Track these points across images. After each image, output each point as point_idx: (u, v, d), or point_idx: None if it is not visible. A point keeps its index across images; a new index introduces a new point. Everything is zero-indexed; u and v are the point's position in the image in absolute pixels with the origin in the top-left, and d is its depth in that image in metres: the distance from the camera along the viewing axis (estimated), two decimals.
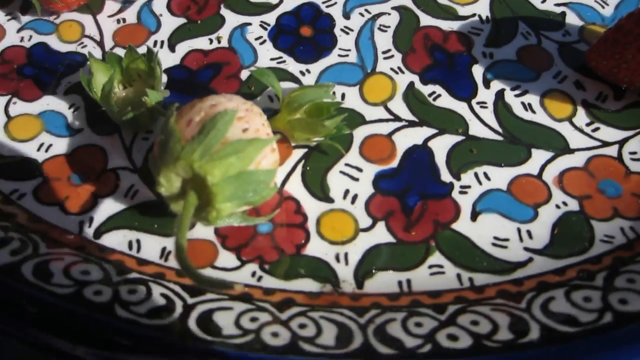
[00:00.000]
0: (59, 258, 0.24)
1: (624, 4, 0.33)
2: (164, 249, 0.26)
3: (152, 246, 0.26)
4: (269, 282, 0.25)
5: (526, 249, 0.26)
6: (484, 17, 0.33)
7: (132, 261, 0.25)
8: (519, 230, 0.26)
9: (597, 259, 0.25)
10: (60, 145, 0.29)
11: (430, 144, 0.29)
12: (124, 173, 0.28)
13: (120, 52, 0.31)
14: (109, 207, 0.27)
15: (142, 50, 0.30)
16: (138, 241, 0.26)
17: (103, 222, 0.26)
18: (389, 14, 0.34)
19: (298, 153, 0.29)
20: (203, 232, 0.26)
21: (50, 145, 0.29)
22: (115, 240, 0.26)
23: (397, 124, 0.30)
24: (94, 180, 0.28)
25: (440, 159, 0.29)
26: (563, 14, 0.33)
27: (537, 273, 0.25)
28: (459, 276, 0.25)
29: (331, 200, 0.27)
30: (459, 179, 0.28)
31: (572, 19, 0.33)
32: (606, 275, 0.24)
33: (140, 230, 0.26)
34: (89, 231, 0.26)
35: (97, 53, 0.32)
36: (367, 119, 0.30)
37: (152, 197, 0.27)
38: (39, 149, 0.29)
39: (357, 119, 0.30)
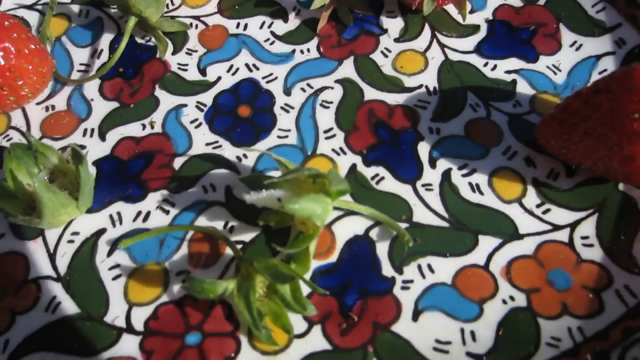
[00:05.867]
0: None
1: (577, 70, 0.32)
2: None
3: None
4: None
5: (468, 354, 0.25)
6: (431, 88, 0.32)
7: None
8: (462, 330, 0.25)
9: None
10: None
11: (372, 233, 0.28)
12: (45, 283, 0.27)
13: (48, 143, 0.29)
14: (26, 325, 0.26)
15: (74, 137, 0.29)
16: None
17: (19, 344, 0.25)
18: (332, 87, 0.32)
19: (230, 251, 0.27)
20: (126, 347, 0.25)
21: None
22: None
23: (338, 212, 0.28)
24: (12, 295, 0.26)
25: (382, 250, 0.27)
26: (514, 82, 0.32)
27: None
28: None
29: None
30: (401, 272, 0.27)
31: (523, 88, 0.31)
32: None
33: (59, 350, 0.25)
34: (1, 359, 0.25)
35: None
36: None
37: (75, 310, 0.26)
38: None
39: None
